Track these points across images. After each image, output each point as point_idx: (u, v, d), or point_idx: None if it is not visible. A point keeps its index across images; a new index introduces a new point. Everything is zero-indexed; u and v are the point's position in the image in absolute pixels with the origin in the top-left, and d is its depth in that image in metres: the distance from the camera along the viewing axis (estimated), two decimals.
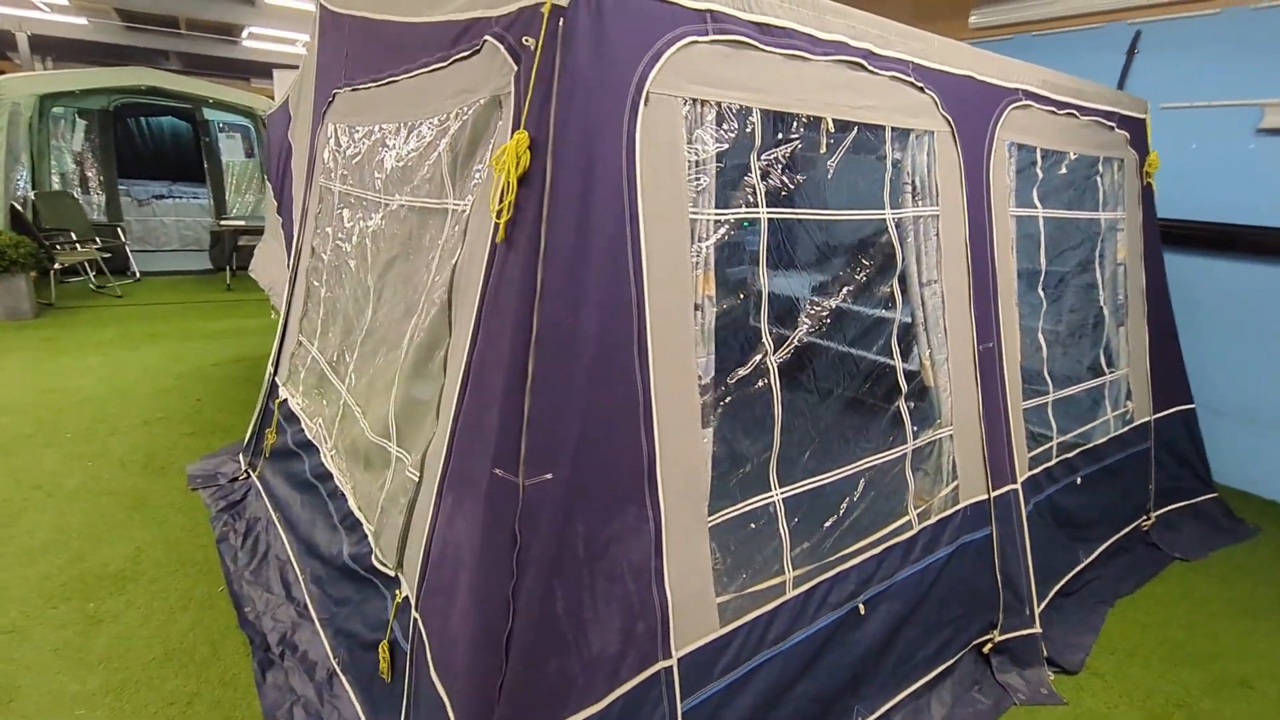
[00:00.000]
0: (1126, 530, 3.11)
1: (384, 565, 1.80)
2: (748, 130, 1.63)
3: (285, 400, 3.00)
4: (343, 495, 2.24)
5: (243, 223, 8.19)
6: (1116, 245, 3.07)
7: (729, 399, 1.79)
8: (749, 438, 1.84)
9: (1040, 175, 2.63)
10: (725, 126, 1.59)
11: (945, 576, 2.14)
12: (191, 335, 5.77)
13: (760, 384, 1.73)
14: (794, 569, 1.75)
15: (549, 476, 1.26)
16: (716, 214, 1.57)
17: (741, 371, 1.76)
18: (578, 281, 1.30)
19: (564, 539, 1.28)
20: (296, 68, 7.29)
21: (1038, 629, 2.34)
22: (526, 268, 1.31)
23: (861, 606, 1.90)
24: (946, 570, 2.15)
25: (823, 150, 1.80)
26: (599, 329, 1.32)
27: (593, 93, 1.33)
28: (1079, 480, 2.80)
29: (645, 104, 1.40)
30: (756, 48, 1.60)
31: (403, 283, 2.07)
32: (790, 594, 1.73)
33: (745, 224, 1.71)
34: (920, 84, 2.04)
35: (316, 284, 2.87)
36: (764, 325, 1.72)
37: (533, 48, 1.38)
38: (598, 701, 1.32)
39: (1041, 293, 2.72)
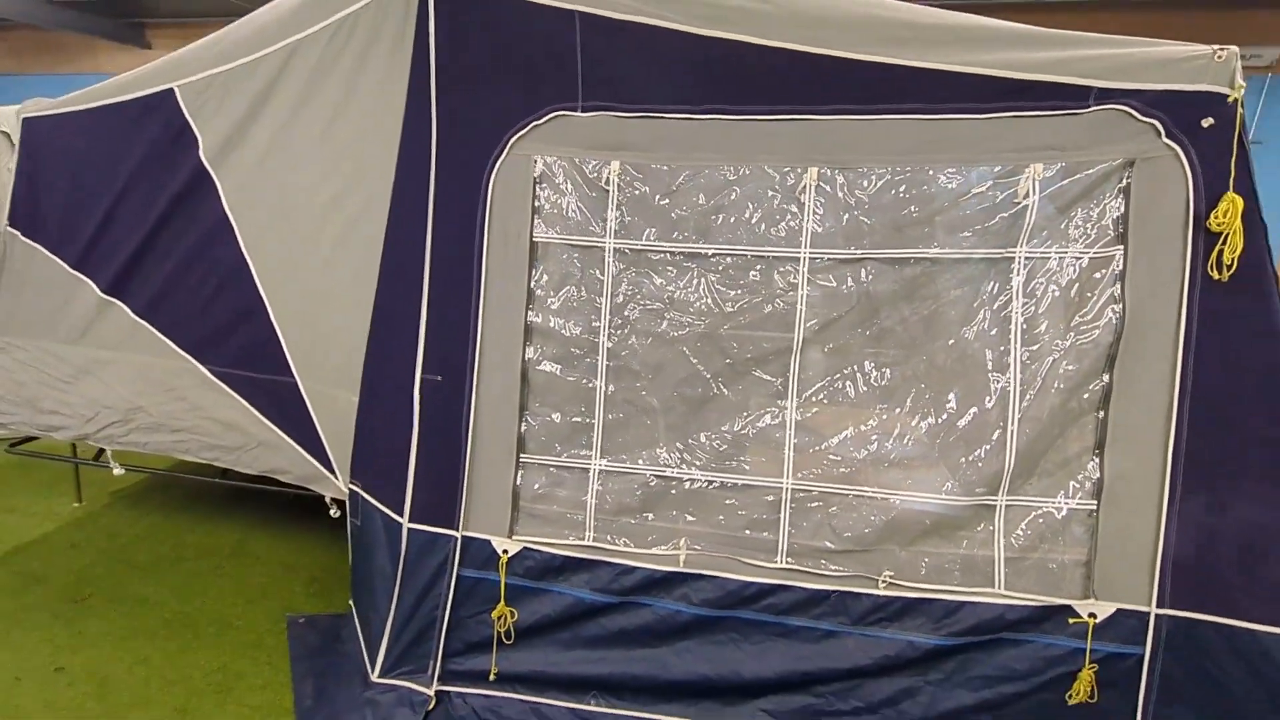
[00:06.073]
0: None
1: (1055, 600, 1.90)
2: None
3: (520, 552, 2.12)
4: (831, 596, 2.02)
5: None
6: None
7: None
8: None
9: None
10: None
11: None
12: None
13: None
14: None
15: None
16: None
17: None
18: None
19: None
20: None
21: None
22: (1265, 311, 1.78)
23: None
24: None
25: None
26: None
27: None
28: None
29: None
30: None
31: (893, 344, 1.99)
32: None
33: None
34: None
35: (575, 377, 2.10)
36: None
37: (1207, 126, 1.78)
38: None
39: None
